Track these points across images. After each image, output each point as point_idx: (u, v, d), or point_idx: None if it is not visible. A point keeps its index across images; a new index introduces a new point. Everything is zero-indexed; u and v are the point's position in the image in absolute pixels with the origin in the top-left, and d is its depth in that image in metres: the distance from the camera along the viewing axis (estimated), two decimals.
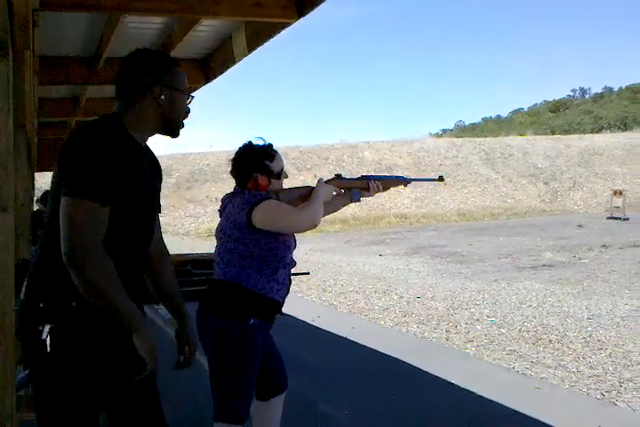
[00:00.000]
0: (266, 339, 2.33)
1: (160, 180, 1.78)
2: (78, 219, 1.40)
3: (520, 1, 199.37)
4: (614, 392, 3.87)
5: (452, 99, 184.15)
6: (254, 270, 2.17)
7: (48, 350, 1.43)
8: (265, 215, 2.12)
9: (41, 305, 1.46)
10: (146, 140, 1.64)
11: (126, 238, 1.54)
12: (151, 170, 1.66)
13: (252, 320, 2.15)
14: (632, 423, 3.33)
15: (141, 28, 4.10)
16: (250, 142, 2.31)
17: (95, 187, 1.42)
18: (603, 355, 4.69)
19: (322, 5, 3.28)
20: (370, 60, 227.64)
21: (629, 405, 3.65)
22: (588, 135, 30.11)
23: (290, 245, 2.28)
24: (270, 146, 2.31)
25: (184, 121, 1.67)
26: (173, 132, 1.67)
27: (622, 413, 3.56)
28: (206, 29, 4.12)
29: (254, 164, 2.24)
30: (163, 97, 1.57)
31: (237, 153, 2.30)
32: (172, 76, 1.60)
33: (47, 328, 1.44)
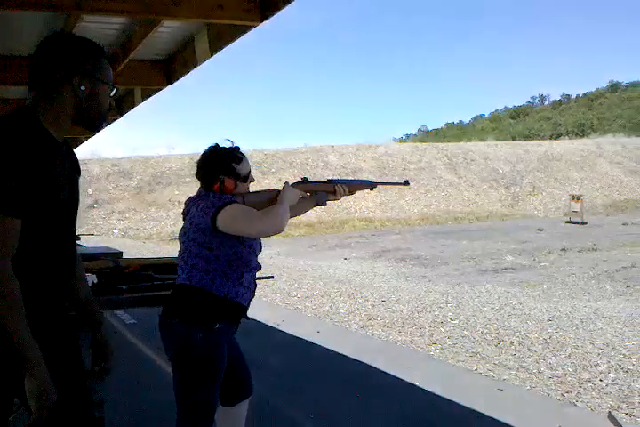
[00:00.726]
0: (231, 343, 2.30)
1: (78, 175, 1.63)
2: None
3: (482, 8, 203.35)
4: (574, 393, 3.95)
5: (416, 104, 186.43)
6: (219, 275, 2.13)
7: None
8: (230, 219, 2.09)
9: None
10: (63, 135, 1.48)
11: (48, 247, 1.42)
12: (70, 168, 1.53)
13: (217, 325, 2.11)
14: (591, 424, 3.39)
15: (101, 28, 4.02)
16: (217, 144, 2.27)
17: (4, 197, 1.27)
18: (562, 356, 4.78)
19: (286, 9, 3.29)
20: (334, 64, 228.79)
21: (588, 405, 3.73)
22: (546, 141, 30.87)
23: (255, 248, 2.25)
24: (238, 148, 2.29)
25: (105, 115, 1.55)
26: (93, 126, 1.54)
27: (582, 413, 3.63)
28: (168, 31, 4.07)
29: (221, 166, 2.20)
30: (82, 88, 1.43)
31: (204, 155, 2.27)
32: (94, 66, 1.46)
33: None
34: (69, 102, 1.44)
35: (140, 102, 5.77)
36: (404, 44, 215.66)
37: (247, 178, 2.27)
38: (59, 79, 1.42)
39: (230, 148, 2.27)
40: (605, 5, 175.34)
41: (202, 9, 3.33)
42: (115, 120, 6.67)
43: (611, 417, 3.40)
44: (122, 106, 6.30)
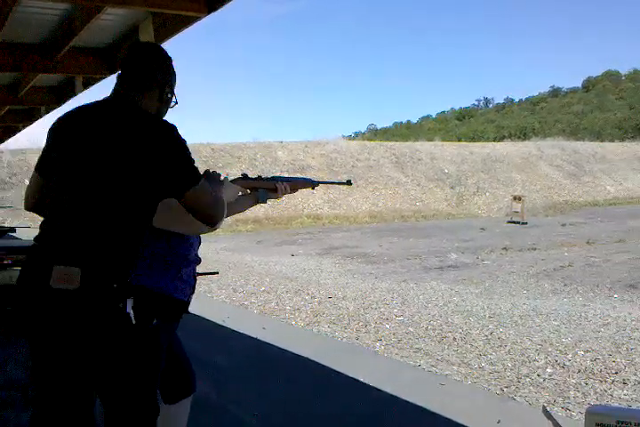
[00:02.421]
0: (172, 340, 2.23)
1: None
2: None
3: (433, 10, 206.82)
4: (513, 387, 4.05)
5: (365, 103, 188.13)
6: (156, 269, 2.06)
7: (133, 322, 1.61)
8: (164, 215, 2.01)
9: (115, 285, 1.58)
10: None
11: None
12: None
13: (154, 321, 2.04)
14: (529, 417, 3.48)
15: (42, 13, 3.85)
16: None
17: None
18: (502, 352, 4.90)
19: (234, 1, 3.24)
20: (285, 59, 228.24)
21: (526, 399, 3.83)
22: (490, 143, 31.68)
23: (193, 242, 2.18)
24: None
25: None
26: None
27: (520, 407, 3.72)
28: (111, 18, 3.93)
29: None
30: (169, 95, 1.74)
31: None
32: (175, 79, 1.78)
33: (130, 302, 1.61)
34: (154, 105, 1.72)
35: (80, 91, 5.57)
36: (354, 42, 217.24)
37: None
38: (156, 84, 1.70)
39: None
40: (547, 12, 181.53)
41: None
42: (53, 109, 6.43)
43: (545, 411, 3.49)
44: (62, 94, 6.07)
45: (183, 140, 1.64)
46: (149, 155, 1.58)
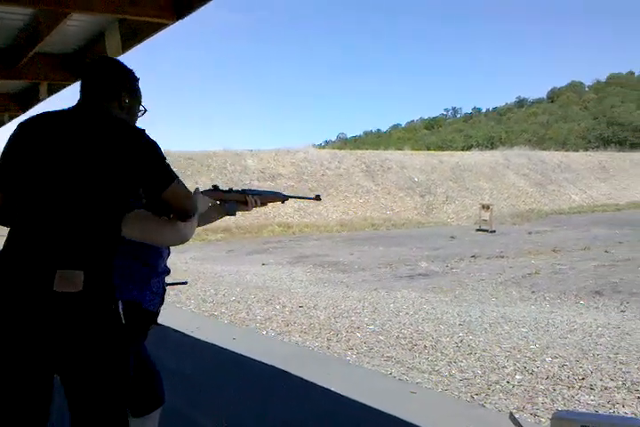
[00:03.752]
0: (140, 352, 2.19)
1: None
2: None
3: (400, 19, 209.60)
4: (483, 395, 4.07)
5: (335, 111, 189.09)
6: (124, 280, 2.02)
7: (123, 321, 1.72)
8: (132, 226, 1.97)
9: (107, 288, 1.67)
10: None
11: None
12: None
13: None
14: (498, 424, 3.50)
15: (6, 18, 3.78)
16: None
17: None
18: (472, 359, 4.93)
19: (202, 8, 3.23)
20: (254, 68, 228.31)
21: (496, 406, 3.85)
22: (459, 152, 32.10)
23: (162, 252, 2.15)
24: None
25: None
26: None
27: (490, 414, 3.74)
28: (77, 24, 3.88)
29: None
30: (127, 101, 1.83)
31: None
32: (135, 87, 1.90)
33: (121, 304, 1.72)
34: (118, 113, 1.81)
35: (45, 98, 5.47)
36: (324, 50, 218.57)
37: None
38: (113, 92, 1.79)
39: None
40: (513, 24, 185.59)
41: (114, 4, 3.21)
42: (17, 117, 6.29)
43: (511, 417, 3.52)
44: (26, 101, 5.95)
45: (153, 141, 1.74)
46: (124, 158, 1.66)
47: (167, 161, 1.76)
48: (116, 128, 1.70)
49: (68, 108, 1.77)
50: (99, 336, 1.66)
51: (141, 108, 1.93)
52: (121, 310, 1.73)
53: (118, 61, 1.90)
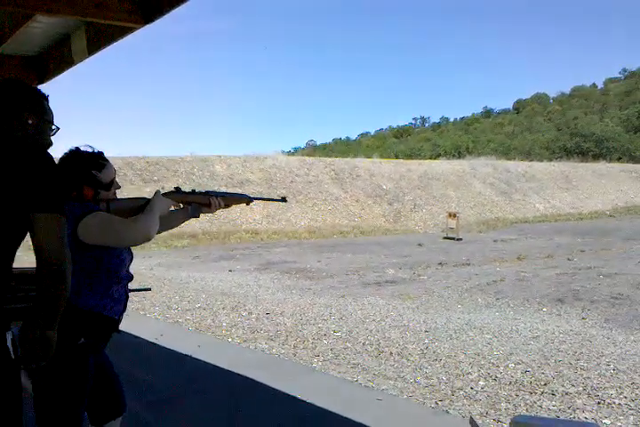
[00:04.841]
0: (100, 359, 2.14)
1: None
2: None
3: (373, 29, 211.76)
4: (447, 401, 4.11)
5: (305, 119, 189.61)
6: (84, 287, 1.98)
7: (13, 356, 1.57)
8: (92, 229, 1.93)
9: None
10: None
11: None
12: None
13: (81, 340, 1.96)
14: None
15: None
16: (77, 149, 2.12)
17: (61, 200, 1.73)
18: (438, 366, 4.97)
19: (170, 13, 3.21)
20: (220, 73, 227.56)
21: (460, 412, 3.89)
22: (427, 161, 32.46)
23: (124, 258, 2.11)
24: (100, 154, 2.14)
25: (47, 146, 1.87)
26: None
27: (453, 420, 3.77)
28: (41, 26, 3.81)
29: (80, 173, 2.05)
30: (30, 122, 1.77)
31: (61, 161, 2.10)
32: (40, 106, 1.83)
33: (9, 335, 1.58)
34: (21, 132, 1.75)
35: None
36: (293, 58, 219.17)
37: (110, 186, 2.14)
38: (13, 113, 1.74)
39: (91, 153, 2.12)
40: (479, 36, 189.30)
41: (79, 6, 3.16)
42: None
43: (471, 422, 3.56)
44: None
45: (48, 161, 1.64)
46: (14, 172, 1.57)
47: (57, 192, 1.64)
48: (8, 146, 1.63)
49: None
50: None
51: (53, 126, 1.88)
52: (9, 343, 1.57)
53: (19, 82, 1.86)
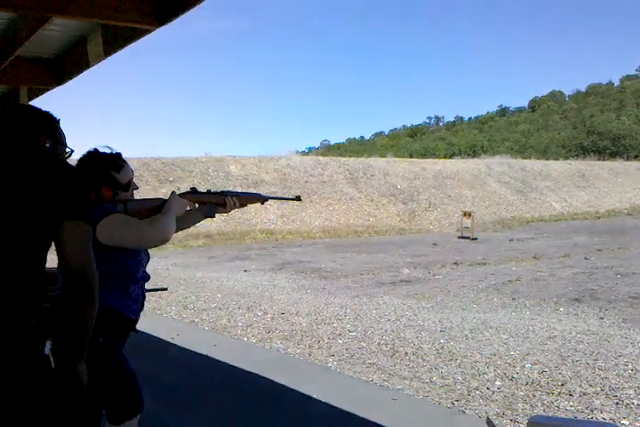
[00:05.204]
0: (118, 359, 2.17)
1: None
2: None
3: (382, 29, 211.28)
4: (463, 401, 4.09)
5: (319, 119, 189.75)
6: (103, 287, 2.00)
7: (53, 365, 1.53)
8: (110, 231, 1.95)
9: (33, 322, 1.51)
10: None
11: None
12: None
13: (100, 339, 1.98)
14: None
15: None
16: (95, 150, 2.14)
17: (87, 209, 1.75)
18: (453, 366, 4.95)
19: (185, 15, 3.24)
20: (236, 73, 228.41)
21: (476, 412, 3.87)
22: (441, 160, 32.30)
23: (141, 259, 2.14)
24: (118, 155, 2.16)
25: None
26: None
27: (469, 420, 3.76)
28: (58, 29, 3.86)
29: (98, 174, 2.08)
30: (47, 145, 1.78)
31: (79, 162, 2.13)
32: (54, 130, 1.84)
33: (48, 344, 1.54)
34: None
35: (25, 102, 5.42)
36: (307, 58, 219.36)
37: (128, 186, 2.16)
38: (30, 137, 1.74)
39: (109, 154, 2.14)
40: (494, 34, 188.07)
41: (96, 9, 3.18)
42: None
43: (489, 422, 3.54)
44: (5, 105, 5.89)
45: (73, 172, 1.67)
46: (40, 184, 1.58)
47: (83, 200, 1.64)
48: (30, 160, 1.64)
49: None
50: (20, 386, 1.47)
51: (67, 149, 1.90)
52: (48, 351, 1.55)
53: (31, 107, 1.89)
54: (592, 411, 3.89)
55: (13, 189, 1.55)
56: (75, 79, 4.57)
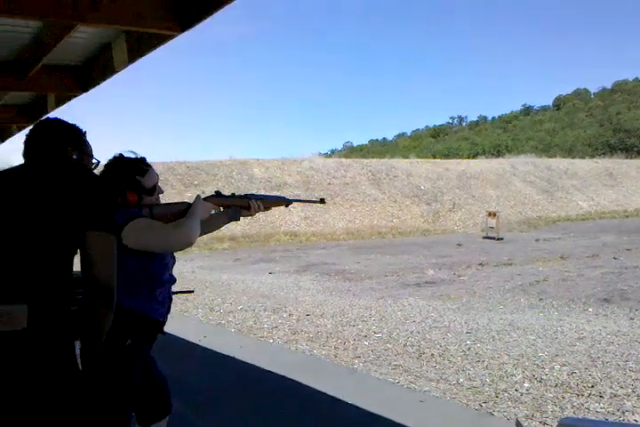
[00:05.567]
0: (147, 361, 2.19)
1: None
2: None
3: (405, 30, 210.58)
4: (491, 403, 4.05)
5: (341, 120, 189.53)
6: (130, 290, 2.03)
7: (80, 367, 1.60)
8: (136, 235, 1.98)
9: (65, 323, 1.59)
10: None
11: None
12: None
13: (128, 341, 2.01)
14: None
15: (13, 31, 3.83)
16: (120, 155, 2.18)
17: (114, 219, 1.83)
18: (480, 367, 4.91)
19: (207, 20, 3.27)
20: (257, 78, 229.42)
21: (505, 415, 3.83)
22: (465, 160, 32.04)
23: (167, 262, 2.16)
24: (143, 160, 2.19)
25: None
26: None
27: (498, 422, 3.72)
28: (84, 36, 3.93)
29: (124, 179, 2.11)
30: (75, 157, 1.86)
31: (105, 167, 2.17)
32: (81, 141, 1.92)
33: (77, 345, 1.60)
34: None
35: (53, 109, 5.53)
36: (329, 60, 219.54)
37: (153, 191, 2.19)
38: (58, 150, 1.82)
39: (134, 159, 2.17)
40: (517, 31, 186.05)
41: (120, 16, 3.24)
42: (25, 128, 6.34)
43: (518, 425, 3.50)
44: (33, 112, 6.02)
45: (101, 183, 1.76)
46: (71, 194, 1.65)
47: (109, 211, 1.70)
48: (58, 171, 1.72)
49: (17, 166, 1.79)
50: (51, 383, 1.51)
51: (94, 160, 1.97)
52: (78, 351, 1.61)
53: (59, 121, 1.93)
54: (623, 413, 3.82)
55: (42, 199, 1.62)
56: (100, 86, 4.65)
